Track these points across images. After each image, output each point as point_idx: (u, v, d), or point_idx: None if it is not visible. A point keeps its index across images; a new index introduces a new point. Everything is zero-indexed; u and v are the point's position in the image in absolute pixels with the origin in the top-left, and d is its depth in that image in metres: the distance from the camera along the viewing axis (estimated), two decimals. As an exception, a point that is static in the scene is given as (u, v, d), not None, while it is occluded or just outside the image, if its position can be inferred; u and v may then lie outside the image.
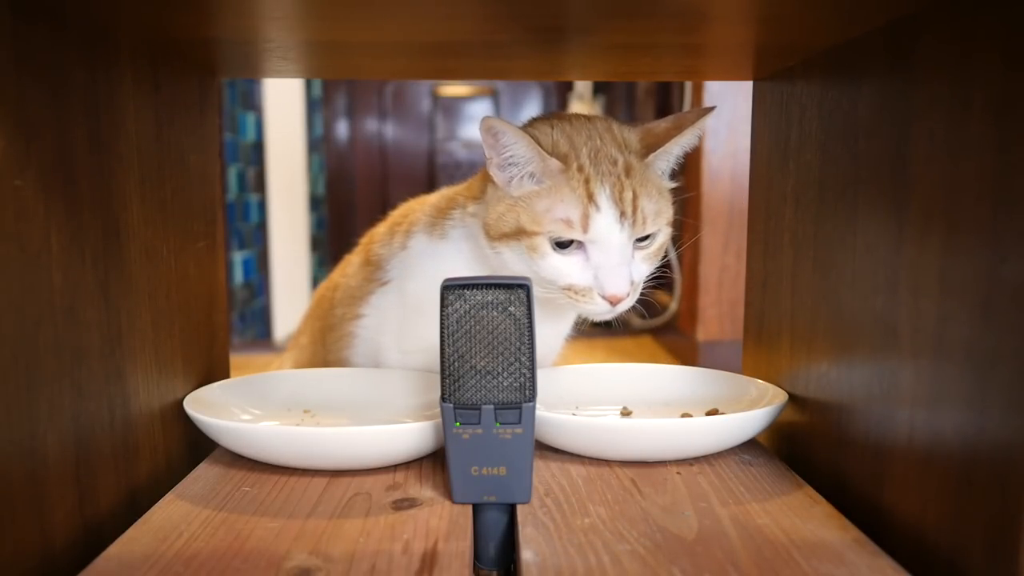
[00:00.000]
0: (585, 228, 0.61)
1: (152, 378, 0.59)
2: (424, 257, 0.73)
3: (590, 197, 0.61)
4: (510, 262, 0.65)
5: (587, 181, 0.61)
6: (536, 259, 0.62)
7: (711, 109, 0.68)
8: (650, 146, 0.65)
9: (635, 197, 0.62)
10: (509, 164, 0.63)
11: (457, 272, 0.67)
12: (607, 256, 0.62)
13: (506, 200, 0.64)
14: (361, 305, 0.77)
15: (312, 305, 0.90)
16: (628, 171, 0.63)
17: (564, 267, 0.62)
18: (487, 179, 0.67)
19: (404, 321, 0.74)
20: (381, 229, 0.81)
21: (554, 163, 0.62)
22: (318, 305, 0.87)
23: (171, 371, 0.62)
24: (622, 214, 0.61)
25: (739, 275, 1.60)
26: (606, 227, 0.61)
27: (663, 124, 0.68)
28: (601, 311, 0.63)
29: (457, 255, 0.71)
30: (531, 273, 0.63)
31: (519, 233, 0.63)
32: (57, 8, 0.47)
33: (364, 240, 0.83)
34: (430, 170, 3.95)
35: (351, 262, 0.82)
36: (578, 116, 0.69)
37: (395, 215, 0.81)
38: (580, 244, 0.62)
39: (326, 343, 0.82)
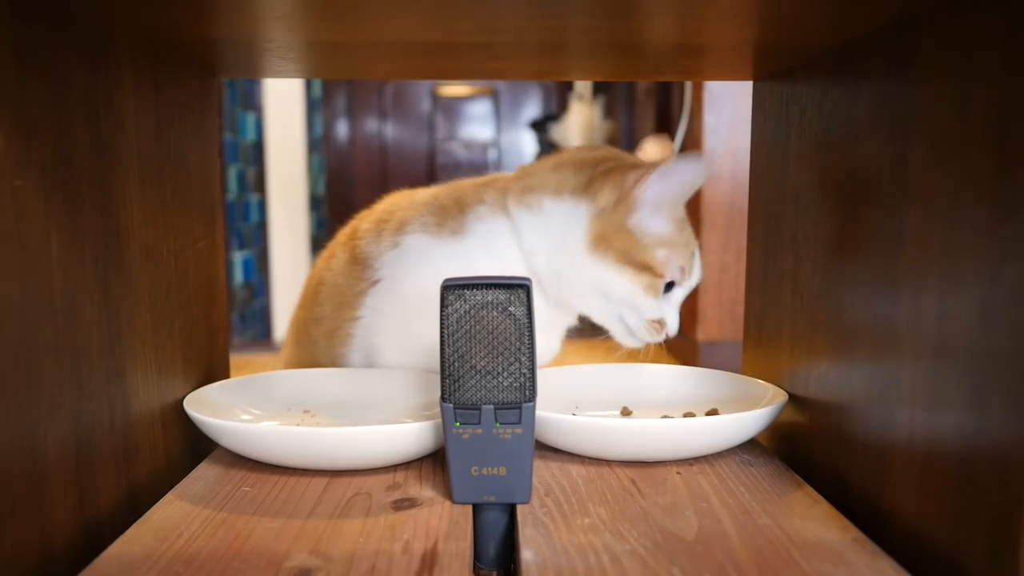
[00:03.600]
0: (689, 276, 0.69)
1: (152, 378, 0.59)
2: (425, 256, 0.72)
3: (692, 249, 0.69)
4: (608, 281, 0.67)
5: (690, 231, 0.69)
6: (650, 296, 0.67)
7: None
8: None
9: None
10: (661, 205, 0.67)
11: (476, 269, 0.68)
12: (679, 299, 0.70)
13: (632, 231, 0.67)
14: (356, 307, 0.75)
15: (299, 299, 0.86)
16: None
17: (665, 306, 0.69)
18: (618, 186, 0.67)
19: (402, 320, 0.73)
20: (366, 225, 0.78)
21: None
22: (303, 297, 0.84)
23: (171, 371, 0.62)
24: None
25: (739, 275, 1.60)
26: (695, 276, 0.69)
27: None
28: (657, 341, 0.71)
29: (481, 251, 0.71)
30: (625, 301, 0.68)
31: (644, 268, 0.66)
32: (57, 8, 0.47)
33: (347, 232, 0.81)
34: (430, 170, 3.95)
35: (336, 256, 0.79)
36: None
37: (380, 211, 0.79)
38: (669, 287, 0.68)
39: (312, 336, 0.80)
